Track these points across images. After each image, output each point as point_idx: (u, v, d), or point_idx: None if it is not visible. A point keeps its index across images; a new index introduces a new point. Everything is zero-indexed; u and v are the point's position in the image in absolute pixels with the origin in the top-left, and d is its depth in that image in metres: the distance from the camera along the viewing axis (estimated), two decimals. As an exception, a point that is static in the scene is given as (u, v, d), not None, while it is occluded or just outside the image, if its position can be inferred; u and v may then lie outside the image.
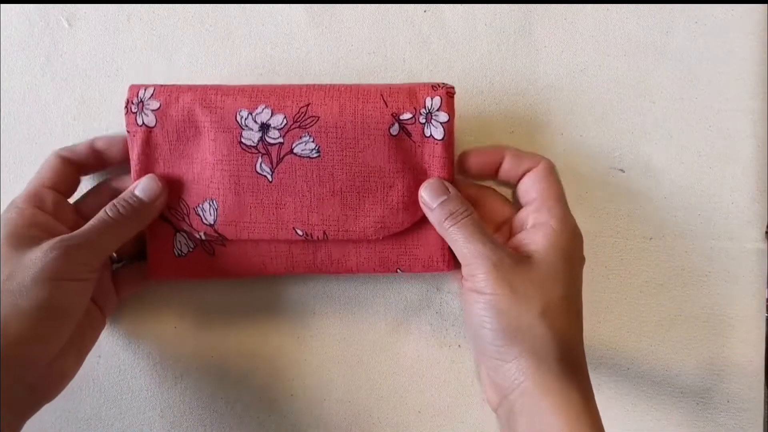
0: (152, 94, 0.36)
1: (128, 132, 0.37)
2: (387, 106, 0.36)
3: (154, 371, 0.41)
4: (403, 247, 0.38)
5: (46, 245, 0.32)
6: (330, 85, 0.37)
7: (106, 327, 0.40)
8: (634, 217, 0.42)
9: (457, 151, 0.39)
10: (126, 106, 0.36)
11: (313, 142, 0.36)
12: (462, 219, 0.35)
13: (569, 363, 0.33)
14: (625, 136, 0.42)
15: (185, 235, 0.38)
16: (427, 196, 0.36)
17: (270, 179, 0.36)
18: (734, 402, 0.42)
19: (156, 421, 0.41)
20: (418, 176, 0.37)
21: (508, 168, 0.38)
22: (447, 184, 0.36)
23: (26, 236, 0.33)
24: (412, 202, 0.37)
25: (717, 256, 0.42)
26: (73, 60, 0.41)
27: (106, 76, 0.41)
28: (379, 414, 0.41)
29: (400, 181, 0.37)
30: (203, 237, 0.37)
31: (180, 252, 0.38)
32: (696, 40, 0.42)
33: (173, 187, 0.37)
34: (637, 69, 0.42)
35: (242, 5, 0.42)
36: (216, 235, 0.37)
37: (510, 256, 0.34)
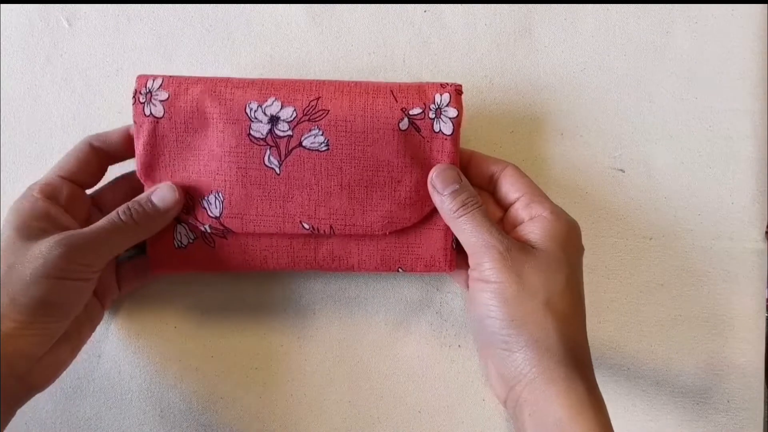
0: (161, 85, 0.36)
1: (135, 122, 0.36)
2: (397, 101, 0.36)
3: (154, 371, 0.41)
4: (405, 247, 0.38)
5: (51, 240, 0.32)
6: (339, 81, 0.37)
7: (106, 327, 0.41)
8: (634, 217, 0.42)
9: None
10: (134, 96, 0.36)
11: (322, 135, 0.36)
12: (472, 209, 0.35)
13: (573, 352, 0.33)
14: (625, 136, 0.42)
15: (186, 227, 0.38)
16: (439, 182, 0.36)
17: (278, 172, 0.36)
18: (734, 402, 0.42)
19: (156, 421, 0.41)
20: (426, 171, 0.37)
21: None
22: (459, 172, 0.37)
23: (35, 228, 0.33)
24: (419, 197, 0.37)
25: (717, 256, 0.42)
26: (73, 60, 0.41)
27: (106, 76, 0.41)
28: (379, 414, 0.41)
29: (409, 177, 0.37)
30: (208, 230, 0.37)
31: (180, 243, 0.38)
32: (696, 40, 0.42)
33: (178, 179, 0.37)
34: (637, 69, 0.42)
35: (242, 5, 0.42)
36: (222, 227, 0.37)
37: (516, 245, 0.34)
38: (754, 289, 0.42)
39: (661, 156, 0.42)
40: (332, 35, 0.42)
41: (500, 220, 0.38)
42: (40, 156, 0.41)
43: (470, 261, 0.36)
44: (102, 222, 0.34)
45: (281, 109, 0.36)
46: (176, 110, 0.36)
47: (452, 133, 0.37)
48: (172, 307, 0.41)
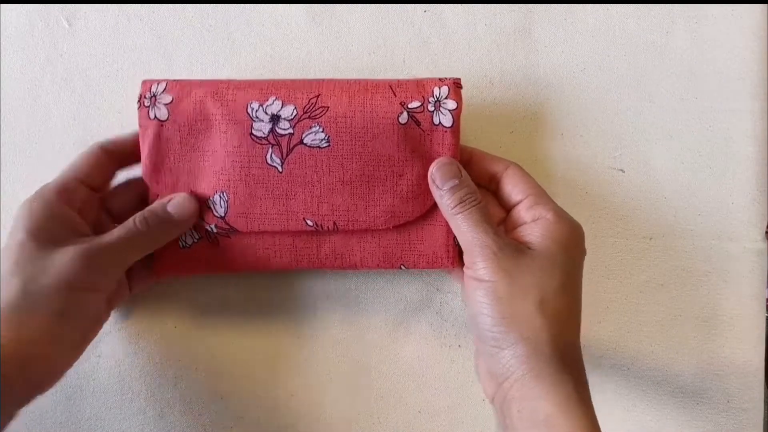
0: (165, 89, 0.37)
1: (140, 126, 0.37)
2: (395, 96, 0.37)
3: (154, 371, 0.41)
4: (407, 243, 0.38)
5: (72, 252, 0.33)
6: (338, 78, 0.38)
7: (106, 327, 0.40)
8: (634, 217, 0.42)
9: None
10: (139, 101, 0.37)
11: (323, 132, 0.36)
12: (470, 207, 0.35)
13: (563, 352, 0.33)
14: (625, 136, 0.42)
15: (191, 227, 0.38)
16: (439, 176, 0.36)
17: (280, 170, 0.37)
18: (734, 402, 0.42)
19: (156, 421, 0.41)
20: (427, 165, 0.37)
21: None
22: (459, 166, 0.37)
23: (51, 232, 0.33)
24: (421, 191, 0.37)
25: (717, 256, 0.42)
26: (73, 60, 0.41)
27: (106, 76, 0.41)
28: (379, 414, 0.41)
29: (410, 170, 0.37)
30: (214, 229, 0.37)
31: (185, 243, 0.38)
32: (696, 40, 0.42)
33: (183, 181, 0.37)
34: (637, 69, 0.42)
35: (242, 5, 0.42)
36: (227, 227, 0.37)
37: (510, 246, 0.34)
38: (754, 289, 0.42)
39: (661, 156, 0.42)
40: (332, 35, 0.42)
41: (502, 220, 0.38)
42: (40, 156, 0.41)
43: (465, 259, 0.36)
44: (119, 231, 0.35)
45: (282, 107, 0.36)
46: (180, 113, 0.36)
47: (452, 125, 0.37)
48: (172, 307, 0.41)
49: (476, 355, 0.37)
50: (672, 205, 0.42)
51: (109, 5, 0.41)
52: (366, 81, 0.37)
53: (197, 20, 0.42)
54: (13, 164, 0.41)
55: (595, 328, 0.42)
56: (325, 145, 0.36)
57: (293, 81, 0.37)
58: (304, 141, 0.36)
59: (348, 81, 0.37)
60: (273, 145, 0.36)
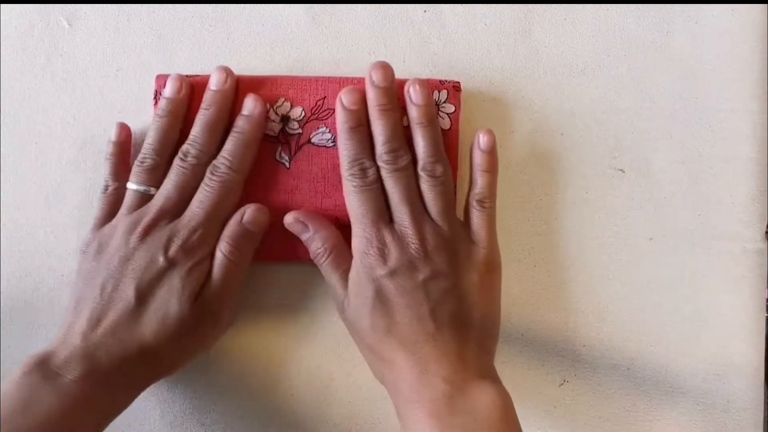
0: None
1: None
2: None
3: (154, 371, 0.41)
4: None
5: (198, 301, 0.36)
6: (343, 78, 0.39)
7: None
8: (634, 217, 0.42)
9: (460, 151, 0.39)
10: (154, 97, 0.38)
11: (329, 132, 0.38)
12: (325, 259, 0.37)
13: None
14: (625, 136, 0.42)
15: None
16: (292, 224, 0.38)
17: (287, 166, 0.39)
18: (734, 402, 0.42)
19: (156, 421, 0.41)
20: None
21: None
22: (306, 218, 0.37)
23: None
24: None
25: (717, 256, 0.42)
26: (73, 60, 0.41)
27: (106, 76, 0.41)
28: (379, 414, 0.41)
29: None
30: None
31: None
32: (696, 40, 0.42)
33: None
34: (637, 69, 0.42)
35: (242, 5, 0.42)
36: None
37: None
38: (754, 289, 0.42)
39: (661, 156, 0.42)
40: (332, 35, 0.42)
41: None
42: (40, 156, 0.41)
43: None
44: (218, 271, 0.36)
45: (291, 109, 0.38)
46: (193, 110, 0.38)
47: (450, 128, 0.38)
48: (172, 307, 0.41)
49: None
50: (672, 205, 0.42)
51: (109, 5, 0.41)
52: None
53: (197, 20, 0.42)
54: (13, 164, 0.41)
55: (595, 328, 0.42)
56: (331, 145, 0.38)
57: (299, 79, 0.39)
58: (312, 140, 0.38)
59: (351, 81, 0.38)
60: (282, 144, 0.38)
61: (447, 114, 0.38)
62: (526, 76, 0.42)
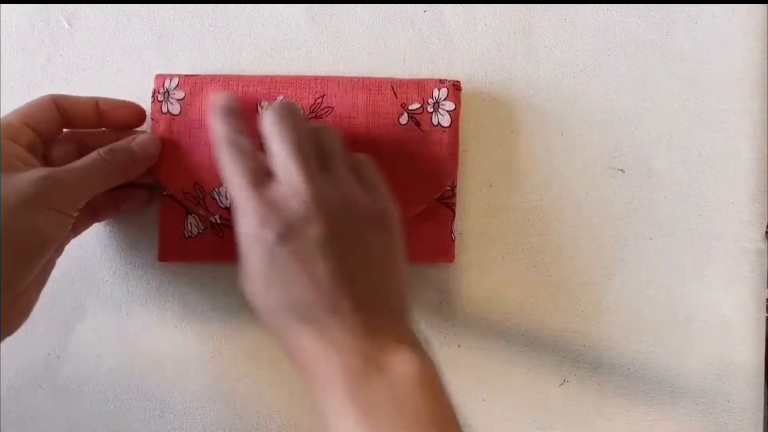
0: (177, 84, 0.38)
1: (152, 119, 0.38)
2: (397, 97, 0.38)
3: (154, 371, 0.41)
4: (406, 237, 0.39)
5: (37, 173, 0.32)
6: (343, 77, 0.39)
7: (106, 327, 0.41)
8: (634, 217, 0.42)
9: (461, 150, 0.39)
10: (153, 95, 0.38)
11: None
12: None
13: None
14: (625, 136, 0.42)
15: (196, 218, 0.39)
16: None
17: None
18: (734, 402, 0.42)
19: (156, 421, 0.41)
20: (426, 164, 0.38)
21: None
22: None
23: (7, 163, 0.32)
24: (419, 188, 0.38)
25: (717, 256, 0.42)
26: (73, 60, 0.41)
27: (106, 76, 0.41)
28: (379, 414, 0.41)
29: (408, 169, 0.38)
30: (218, 220, 0.38)
31: (190, 233, 0.39)
32: (696, 40, 0.42)
33: (189, 172, 0.38)
34: (637, 69, 0.42)
35: (242, 5, 0.42)
36: (231, 217, 0.38)
37: None
38: (754, 289, 0.42)
39: (661, 156, 0.42)
40: (332, 35, 0.42)
41: None
42: (40, 156, 0.41)
43: None
44: (83, 160, 0.34)
45: None
46: (192, 109, 0.38)
47: (450, 125, 0.38)
48: (172, 307, 0.41)
49: None
50: (672, 205, 0.42)
51: (109, 5, 0.41)
52: (369, 80, 0.39)
53: (197, 20, 0.42)
54: (13, 164, 0.41)
55: (595, 328, 0.42)
56: None
57: (298, 78, 0.39)
58: None
59: (351, 80, 0.39)
60: None
61: (447, 111, 0.38)
62: (526, 76, 0.42)
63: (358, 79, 0.39)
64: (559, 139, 0.42)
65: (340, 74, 0.40)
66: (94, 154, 0.35)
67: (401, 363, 0.30)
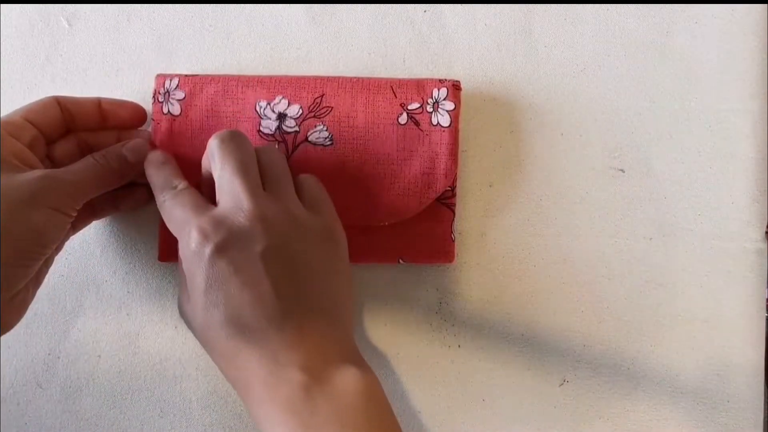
0: (177, 85, 0.38)
1: (153, 120, 0.38)
2: (396, 97, 0.38)
3: (154, 371, 0.41)
4: (405, 238, 0.39)
5: (37, 173, 0.32)
6: (342, 77, 0.39)
7: (106, 327, 0.41)
8: (634, 217, 0.42)
9: (461, 151, 0.39)
10: (153, 96, 0.38)
11: (326, 131, 0.38)
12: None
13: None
14: (625, 136, 0.42)
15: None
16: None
17: None
18: (734, 402, 0.42)
19: (156, 421, 0.41)
20: (425, 163, 0.38)
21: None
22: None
23: (7, 162, 0.32)
24: (418, 189, 0.38)
25: (717, 256, 0.42)
26: (73, 60, 0.41)
27: (106, 76, 0.41)
28: (379, 414, 0.41)
29: (408, 169, 0.38)
30: None
31: None
32: (696, 40, 0.42)
33: (191, 172, 0.38)
34: (637, 69, 0.42)
35: (242, 5, 0.42)
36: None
37: None
38: (754, 289, 0.42)
39: (661, 156, 0.42)
40: (332, 35, 0.42)
41: None
42: (40, 156, 0.41)
43: None
44: (78, 164, 0.34)
45: (288, 106, 0.38)
46: (192, 109, 0.38)
47: (450, 125, 0.38)
48: (172, 307, 0.41)
49: None
50: (672, 205, 0.42)
51: (109, 5, 0.41)
52: (368, 80, 0.39)
53: (197, 20, 0.42)
54: (13, 164, 0.41)
55: (595, 328, 0.42)
56: (328, 144, 0.38)
57: (298, 78, 0.39)
58: (309, 139, 0.38)
59: (350, 80, 0.38)
60: (279, 142, 0.38)
61: (447, 111, 0.38)
62: (526, 76, 0.42)
63: (358, 79, 0.39)
64: (559, 139, 0.42)
65: (340, 74, 0.40)
66: (88, 158, 0.35)
67: (344, 377, 0.30)
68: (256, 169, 0.33)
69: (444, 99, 0.38)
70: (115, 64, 0.41)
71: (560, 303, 0.41)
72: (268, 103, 0.38)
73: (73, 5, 0.41)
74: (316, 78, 0.39)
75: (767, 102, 0.42)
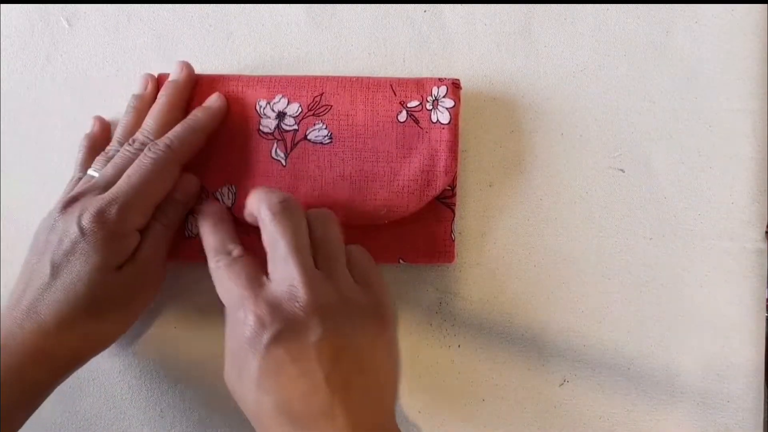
0: None
1: None
2: (395, 95, 0.38)
3: (154, 371, 0.41)
4: (405, 238, 0.39)
5: (133, 271, 0.35)
6: (342, 76, 0.39)
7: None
8: (634, 217, 0.42)
9: (461, 150, 0.39)
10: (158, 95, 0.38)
11: (326, 129, 0.38)
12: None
13: None
14: (625, 136, 0.42)
15: (197, 218, 0.38)
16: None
17: (284, 164, 0.38)
18: (734, 402, 0.42)
19: (156, 421, 0.41)
20: (425, 161, 0.38)
21: None
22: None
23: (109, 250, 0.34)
24: (417, 186, 0.38)
25: (717, 256, 0.42)
26: (73, 60, 0.41)
27: (106, 76, 0.41)
28: (379, 414, 0.41)
29: (407, 166, 0.38)
30: None
31: (190, 233, 0.38)
32: (696, 40, 0.42)
33: (193, 172, 0.38)
34: (637, 69, 0.42)
35: (242, 5, 0.42)
36: (232, 218, 0.38)
37: None
38: (754, 289, 0.42)
39: (661, 156, 0.42)
40: (332, 35, 0.42)
41: None
42: (40, 156, 0.41)
43: None
44: (150, 241, 0.35)
45: (287, 105, 0.38)
46: (192, 109, 0.38)
47: (449, 122, 0.38)
48: (172, 307, 0.41)
49: None
50: (672, 205, 0.42)
51: (109, 5, 0.41)
52: (368, 79, 0.39)
53: (197, 20, 0.42)
54: (13, 164, 0.41)
55: (595, 328, 0.42)
56: (327, 142, 0.38)
57: (297, 78, 0.39)
58: (308, 137, 0.38)
59: (350, 79, 0.39)
60: (278, 140, 0.38)
61: (446, 109, 0.38)
62: (526, 76, 0.42)
63: (357, 78, 0.39)
64: (559, 139, 0.42)
65: (339, 74, 0.40)
66: (156, 230, 0.36)
67: None
68: (309, 245, 0.33)
69: (444, 96, 0.38)
70: (115, 64, 0.41)
71: (560, 303, 0.41)
72: (268, 102, 0.38)
73: (73, 5, 0.41)
74: (315, 77, 0.39)
75: (767, 102, 0.42)
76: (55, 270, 0.33)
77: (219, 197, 0.38)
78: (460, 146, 0.40)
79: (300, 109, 0.38)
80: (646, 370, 0.42)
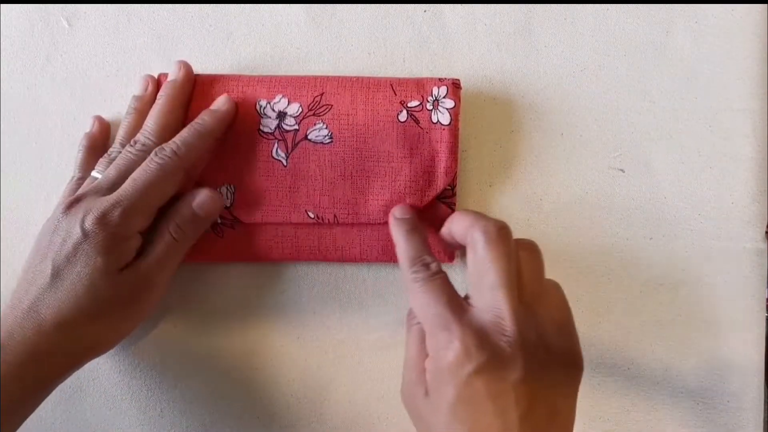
0: None
1: None
2: (396, 95, 0.38)
3: (154, 371, 0.41)
4: None
5: (136, 274, 0.35)
6: (342, 76, 0.39)
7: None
8: (634, 217, 0.42)
9: (461, 150, 0.39)
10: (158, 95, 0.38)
11: (326, 128, 0.38)
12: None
13: None
14: (625, 136, 0.42)
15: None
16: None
17: (285, 164, 0.38)
18: (734, 402, 0.42)
19: (156, 421, 0.41)
20: (425, 161, 0.38)
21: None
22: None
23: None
24: (418, 186, 0.38)
25: (717, 256, 0.42)
26: (73, 60, 0.41)
27: (106, 76, 0.41)
28: (379, 414, 0.41)
29: (408, 166, 0.38)
30: (219, 220, 0.39)
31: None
32: (696, 40, 0.42)
33: (193, 172, 0.38)
34: (637, 69, 0.42)
35: (242, 5, 0.42)
36: (231, 218, 0.38)
37: None
38: (754, 289, 0.42)
39: (661, 156, 0.42)
40: (332, 35, 0.42)
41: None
42: (40, 156, 0.41)
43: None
44: (160, 247, 0.35)
45: (288, 105, 0.38)
46: (193, 109, 0.38)
47: (450, 123, 0.38)
48: (173, 308, 0.41)
49: None
50: (672, 205, 0.42)
51: (109, 5, 0.41)
52: (368, 79, 0.39)
53: (197, 20, 0.42)
54: (13, 164, 0.41)
55: (595, 328, 0.42)
56: (328, 141, 0.38)
57: (298, 78, 0.39)
58: (309, 137, 0.38)
59: (350, 78, 0.39)
60: (279, 140, 0.38)
61: (447, 109, 0.38)
62: (526, 76, 0.42)
63: (357, 78, 0.39)
64: (559, 139, 0.42)
65: (339, 74, 0.40)
66: (166, 237, 0.35)
67: None
68: (516, 277, 0.32)
69: (444, 97, 0.38)
70: (115, 64, 0.41)
71: (560, 303, 0.41)
72: (268, 102, 0.38)
73: (73, 5, 0.41)
74: (315, 77, 0.39)
75: (767, 102, 0.42)
76: (57, 271, 0.33)
77: None
78: (460, 146, 0.40)
79: (300, 109, 0.38)
80: (646, 370, 0.42)
